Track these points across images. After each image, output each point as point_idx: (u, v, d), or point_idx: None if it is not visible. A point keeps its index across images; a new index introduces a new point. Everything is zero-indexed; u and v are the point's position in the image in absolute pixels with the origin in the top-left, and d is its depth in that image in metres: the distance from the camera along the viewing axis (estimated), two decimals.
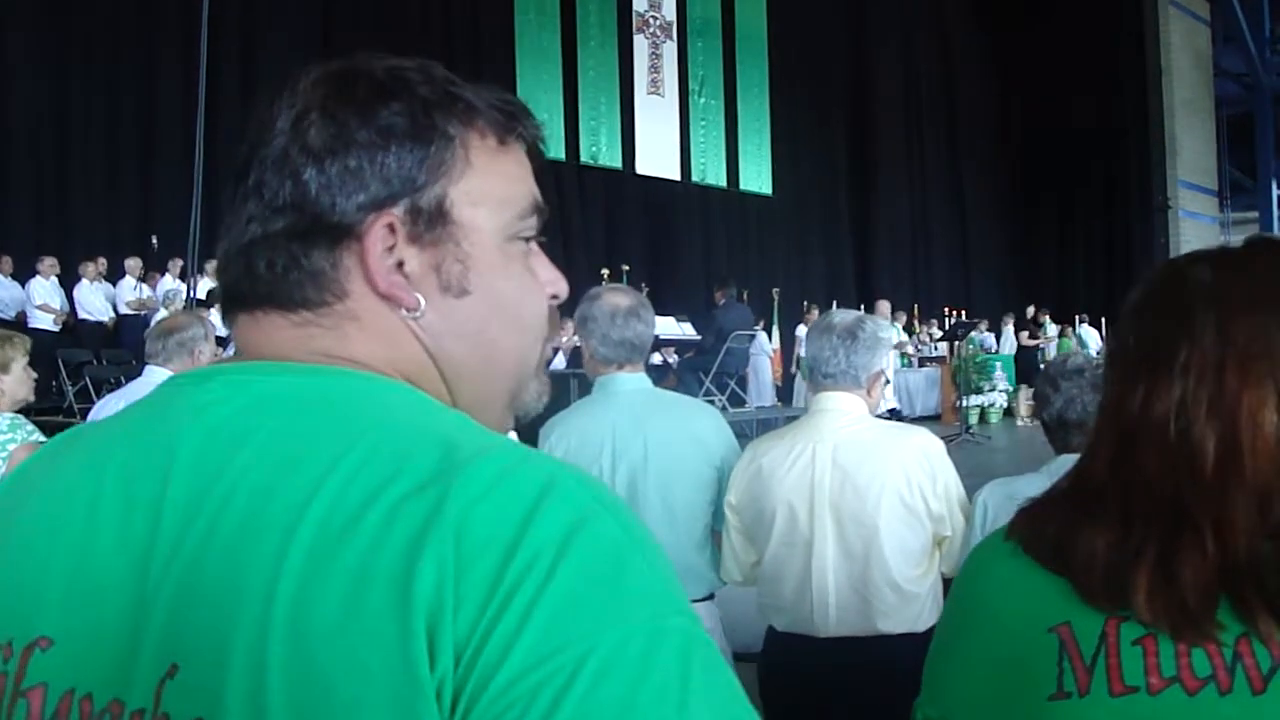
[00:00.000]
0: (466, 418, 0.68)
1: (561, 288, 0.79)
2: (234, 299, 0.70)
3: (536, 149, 0.77)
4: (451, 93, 0.71)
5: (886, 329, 2.61)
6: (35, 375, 3.49)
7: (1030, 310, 18.17)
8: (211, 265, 11.74)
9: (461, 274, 0.69)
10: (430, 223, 0.68)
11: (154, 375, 3.52)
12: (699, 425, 2.60)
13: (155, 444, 0.66)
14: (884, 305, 15.21)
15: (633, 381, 2.60)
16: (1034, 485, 2.47)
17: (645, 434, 2.53)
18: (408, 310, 0.68)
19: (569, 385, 5.65)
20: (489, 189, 0.71)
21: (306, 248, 0.67)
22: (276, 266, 0.67)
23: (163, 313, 10.76)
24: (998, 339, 18.17)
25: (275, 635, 0.56)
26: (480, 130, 0.71)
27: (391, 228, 0.67)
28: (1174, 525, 0.85)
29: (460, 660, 0.54)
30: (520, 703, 0.53)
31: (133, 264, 11.74)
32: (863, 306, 17.83)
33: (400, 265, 0.68)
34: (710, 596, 2.61)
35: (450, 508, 0.57)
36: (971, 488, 2.49)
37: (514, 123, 0.74)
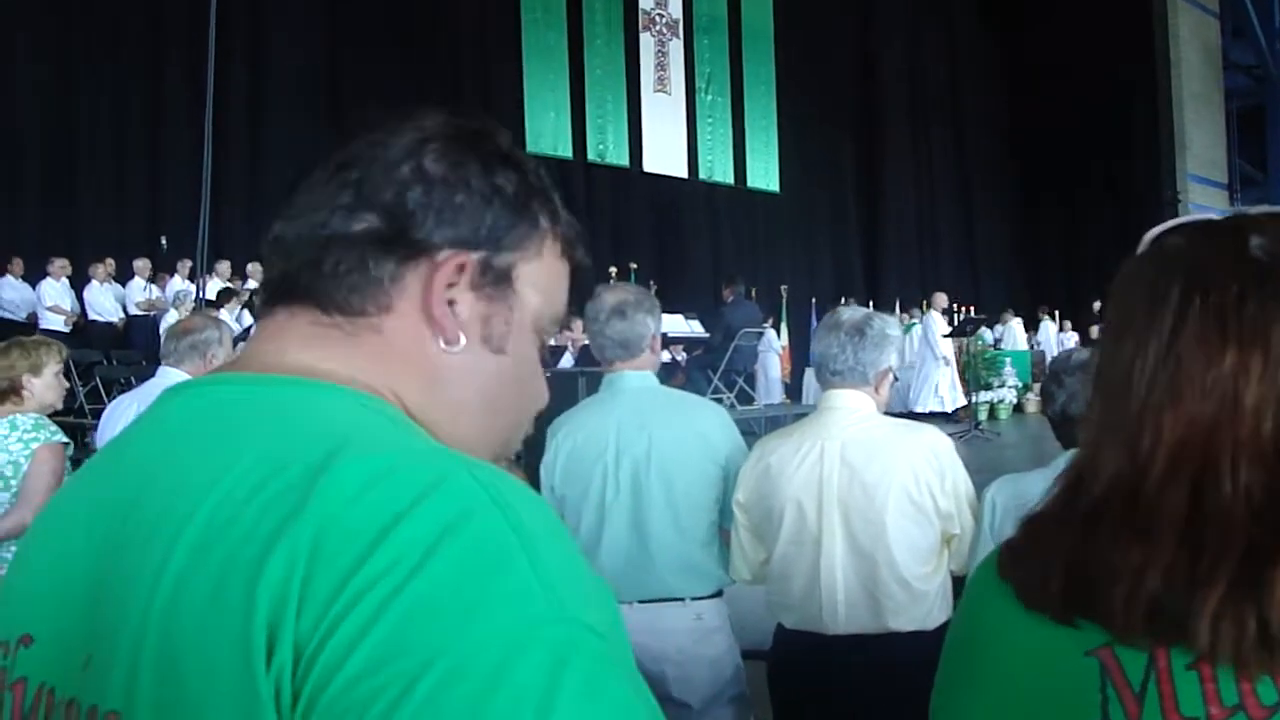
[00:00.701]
0: (419, 430, 0.71)
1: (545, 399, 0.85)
2: (283, 291, 0.74)
3: (577, 275, 0.84)
4: (549, 192, 0.79)
5: (895, 326, 2.60)
6: (68, 385, 3.52)
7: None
8: (222, 266, 11.88)
9: (504, 334, 0.75)
10: (495, 281, 0.74)
11: (167, 376, 3.54)
12: (703, 423, 2.60)
13: (123, 449, 0.71)
14: (941, 298, 14.83)
15: (638, 379, 2.61)
16: (1042, 482, 2.47)
17: (649, 431, 2.54)
18: (446, 343, 0.73)
19: (577, 383, 5.65)
20: (545, 282, 0.78)
21: (380, 255, 0.71)
22: (340, 266, 0.71)
23: (172, 313, 10.80)
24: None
25: (152, 627, 0.58)
26: (556, 234, 0.79)
27: (462, 268, 0.72)
28: (1259, 545, 0.75)
29: (300, 659, 0.53)
30: (355, 709, 0.51)
31: (141, 265, 11.78)
32: (898, 302, 17.86)
33: (451, 304, 0.73)
34: (719, 594, 2.62)
35: (315, 502, 0.57)
36: (980, 484, 2.48)
37: (578, 243, 0.82)
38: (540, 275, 0.77)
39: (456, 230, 0.72)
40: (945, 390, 13.59)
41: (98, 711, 0.60)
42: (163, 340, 3.65)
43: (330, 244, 0.71)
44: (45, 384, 3.41)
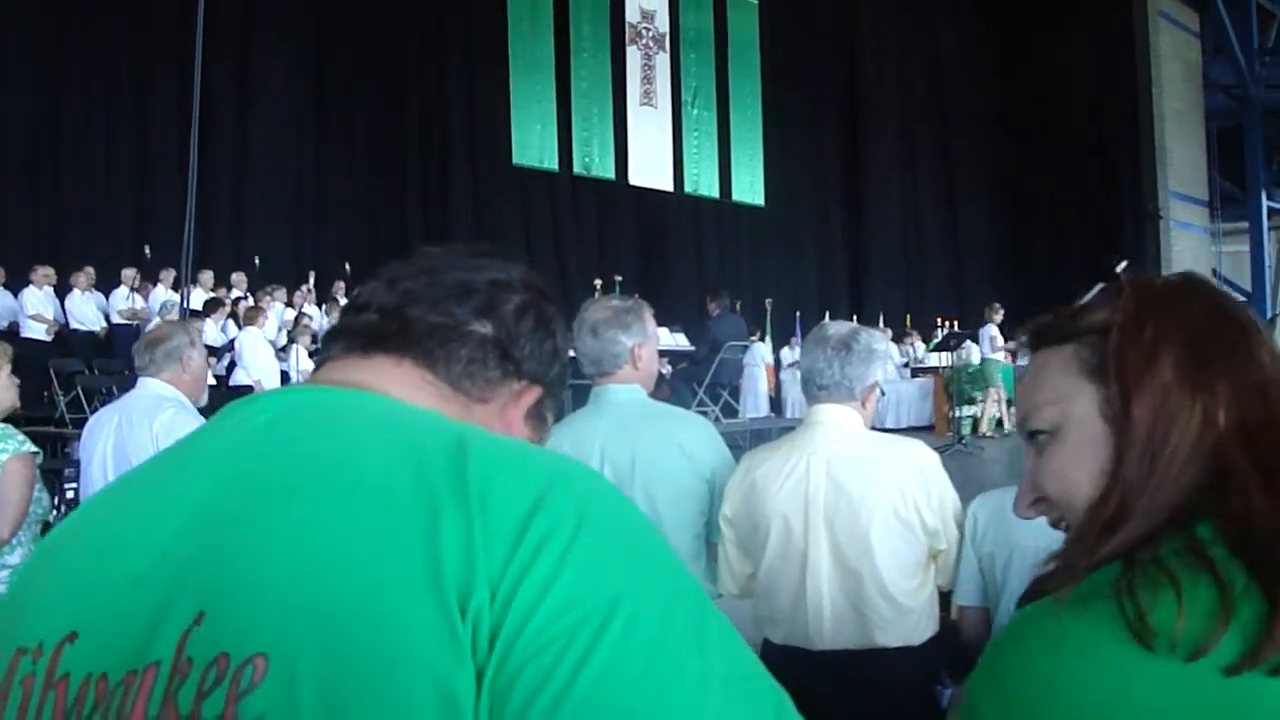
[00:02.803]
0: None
1: None
2: (397, 342, 0.86)
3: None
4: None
5: (881, 340, 2.60)
6: (19, 382, 3.46)
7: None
8: (205, 276, 11.83)
9: None
10: (539, 416, 0.94)
11: (147, 387, 3.51)
12: (688, 436, 2.60)
13: (195, 449, 0.79)
14: (997, 310, 14.44)
15: (624, 393, 2.61)
16: None
17: (634, 444, 2.54)
18: None
19: (568, 396, 5.64)
20: (550, 428, 0.99)
21: (498, 360, 0.89)
22: (464, 351, 0.87)
23: (157, 322, 10.74)
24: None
25: (305, 577, 0.63)
26: (555, 407, 0.99)
27: (534, 399, 0.92)
28: None
29: (495, 597, 0.61)
30: (560, 639, 0.60)
31: (128, 274, 11.72)
32: (882, 316, 17.89)
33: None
34: None
35: (472, 472, 0.67)
36: (964, 499, 2.49)
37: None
38: (550, 423, 0.97)
39: (538, 367, 0.91)
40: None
41: (229, 659, 0.62)
42: (135, 354, 3.61)
43: (459, 331, 0.87)
44: (1, 386, 3.36)
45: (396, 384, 0.83)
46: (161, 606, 0.67)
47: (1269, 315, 16.50)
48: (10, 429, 3.28)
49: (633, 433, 2.55)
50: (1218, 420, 0.84)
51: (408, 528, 0.64)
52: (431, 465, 0.68)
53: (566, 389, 0.99)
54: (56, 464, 7.24)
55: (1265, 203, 24.20)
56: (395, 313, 0.87)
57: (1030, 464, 0.96)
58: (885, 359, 2.64)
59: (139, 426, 3.38)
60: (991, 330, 14.45)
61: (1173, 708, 0.72)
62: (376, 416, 0.76)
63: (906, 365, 17.40)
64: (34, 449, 3.28)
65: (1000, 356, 14.06)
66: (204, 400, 3.62)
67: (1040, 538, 2.29)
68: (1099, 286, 0.96)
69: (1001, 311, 14.91)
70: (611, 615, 0.62)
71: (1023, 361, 1.06)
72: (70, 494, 6.40)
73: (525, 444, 0.78)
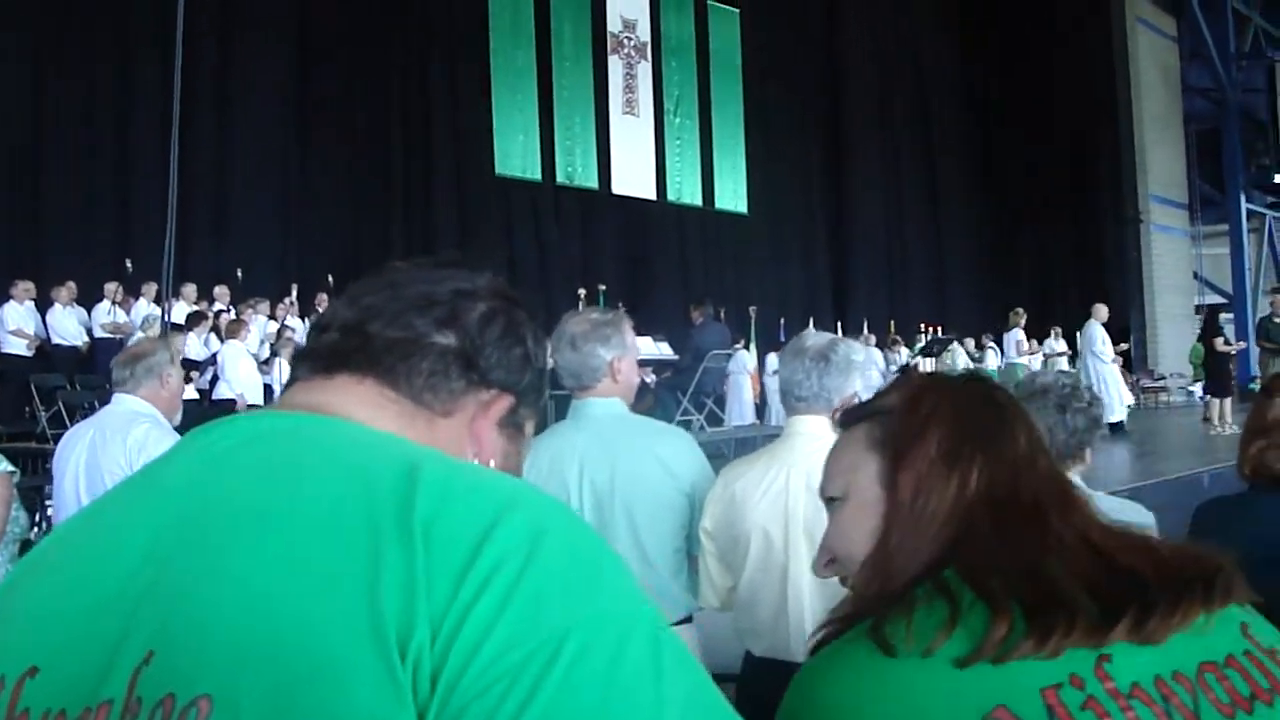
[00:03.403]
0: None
1: None
2: (357, 360, 0.84)
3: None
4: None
5: (860, 351, 2.61)
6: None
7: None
8: (188, 289, 11.78)
9: (515, 469, 0.92)
10: (515, 426, 0.92)
11: (123, 403, 3.49)
12: (667, 449, 2.60)
13: (156, 476, 0.78)
14: (1101, 309, 14.11)
15: (603, 406, 2.61)
16: None
17: (613, 458, 2.53)
18: (480, 463, 0.87)
19: (549, 409, 5.64)
20: (530, 441, 0.96)
21: (461, 371, 0.86)
22: (424, 364, 0.84)
23: (140, 336, 10.69)
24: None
25: (250, 613, 0.63)
26: (537, 413, 0.96)
27: (505, 408, 0.89)
28: None
29: (437, 637, 0.60)
30: (505, 678, 0.59)
31: (111, 288, 11.66)
32: (866, 322, 17.91)
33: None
34: (688, 619, 2.62)
35: (419, 502, 0.65)
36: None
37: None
38: (529, 433, 0.95)
39: (508, 376, 0.88)
40: (1120, 390, 13.57)
41: (174, 700, 0.62)
42: (114, 368, 3.59)
43: (420, 344, 0.84)
44: None
45: (359, 404, 0.82)
46: (117, 642, 0.66)
47: (1252, 317, 16.55)
48: None
49: (612, 446, 2.55)
50: (970, 490, 0.99)
51: (350, 566, 0.63)
52: (379, 499, 0.66)
53: (547, 399, 0.98)
54: (38, 480, 7.19)
55: (1244, 205, 24.39)
56: (356, 329, 0.86)
57: (826, 529, 1.12)
58: (865, 369, 2.65)
59: (113, 442, 3.36)
60: (1018, 335, 14.47)
61: (918, 694, 0.88)
62: (332, 445, 0.75)
63: (891, 371, 17.44)
64: (10, 468, 3.27)
65: (1025, 361, 14.04)
66: (178, 419, 3.61)
67: None
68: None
69: (1024, 316, 14.98)
70: (559, 650, 0.60)
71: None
72: (51, 511, 6.35)
73: (481, 469, 0.76)
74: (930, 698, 0.87)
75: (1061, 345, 16.61)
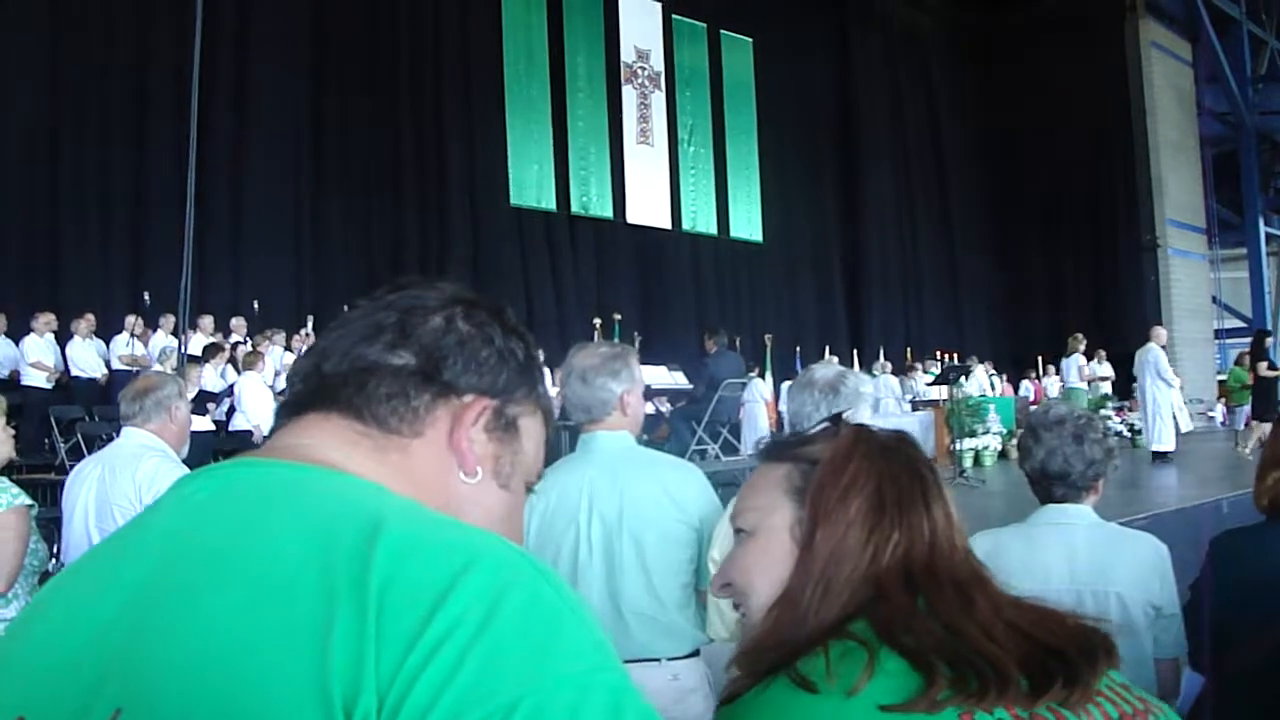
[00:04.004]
0: (438, 515, 0.78)
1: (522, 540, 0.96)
2: (321, 398, 0.84)
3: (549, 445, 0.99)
4: (541, 367, 0.95)
5: (867, 383, 2.60)
6: (14, 432, 3.46)
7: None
8: (204, 321, 11.86)
9: (510, 473, 0.89)
10: (504, 427, 0.88)
11: (132, 436, 3.50)
12: (676, 483, 2.59)
13: (144, 528, 0.78)
14: (1160, 332, 13.56)
15: (612, 439, 2.60)
16: (1018, 536, 2.47)
17: (622, 491, 2.53)
18: (465, 473, 0.85)
19: (560, 440, 5.63)
20: (536, 437, 0.93)
21: (420, 387, 0.84)
22: (382, 390, 0.83)
23: (157, 368, 10.74)
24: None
25: (207, 673, 0.63)
26: (538, 404, 0.94)
27: (483, 411, 0.86)
28: None
29: (384, 705, 0.59)
30: None
31: (130, 320, 11.74)
32: (882, 350, 17.84)
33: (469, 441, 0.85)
34: (695, 653, 2.60)
35: (376, 563, 0.65)
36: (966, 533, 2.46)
37: (551, 417, 0.96)
38: (535, 430, 0.92)
39: (480, 379, 0.86)
40: (1176, 414, 13.31)
41: None
42: (122, 402, 3.60)
43: (374, 371, 0.84)
44: None
45: (330, 440, 0.82)
46: (90, 696, 0.67)
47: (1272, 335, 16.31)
48: (4, 482, 3.27)
49: (621, 480, 2.55)
50: (884, 559, 1.00)
51: (303, 629, 0.63)
52: (337, 558, 0.66)
53: (546, 387, 0.96)
54: (56, 512, 7.20)
55: (1263, 228, 24.27)
56: (313, 373, 0.86)
57: (730, 553, 1.13)
58: (874, 399, 2.64)
59: (122, 477, 3.36)
60: (1079, 360, 14.42)
61: None
62: (300, 501, 0.74)
63: (910, 399, 17.38)
64: (28, 502, 3.27)
65: (1085, 386, 13.92)
66: (185, 451, 3.62)
67: (1035, 579, 2.28)
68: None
69: (1084, 341, 14.92)
70: (511, 714, 0.59)
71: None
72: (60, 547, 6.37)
73: (447, 524, 0.73)
74: None
75: (1106, 369, 16.48)
